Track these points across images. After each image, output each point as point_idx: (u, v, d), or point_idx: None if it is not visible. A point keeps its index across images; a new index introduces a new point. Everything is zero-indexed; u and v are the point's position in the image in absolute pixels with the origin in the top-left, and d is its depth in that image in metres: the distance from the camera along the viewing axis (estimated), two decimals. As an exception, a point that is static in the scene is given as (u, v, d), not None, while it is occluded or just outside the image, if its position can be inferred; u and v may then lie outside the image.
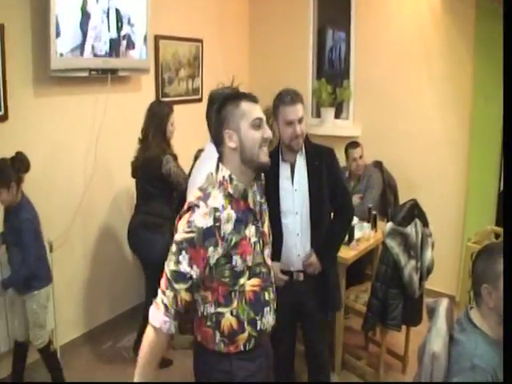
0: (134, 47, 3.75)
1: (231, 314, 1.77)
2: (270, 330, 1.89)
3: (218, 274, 1.71)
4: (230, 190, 1.72)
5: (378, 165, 4.45)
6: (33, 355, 3.23)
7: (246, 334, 1.79)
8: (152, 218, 3.38)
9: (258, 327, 1.81)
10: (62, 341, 3.58)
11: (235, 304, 1.76)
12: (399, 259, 3.03)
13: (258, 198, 1.85)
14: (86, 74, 3.43)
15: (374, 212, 3.78)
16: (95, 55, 3.44)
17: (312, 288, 2.66)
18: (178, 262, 1.65)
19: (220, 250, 1.67)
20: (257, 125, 1.73)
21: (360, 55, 4.77)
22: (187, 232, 1.64)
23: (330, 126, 4.91)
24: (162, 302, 1.68)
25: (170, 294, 1.67)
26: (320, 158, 2.61)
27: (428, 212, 3.28)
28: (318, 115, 5.07)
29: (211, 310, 1.77)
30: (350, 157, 4.28)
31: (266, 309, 1.84)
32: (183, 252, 1.64)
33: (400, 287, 3.09)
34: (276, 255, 2.45)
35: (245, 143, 1.72)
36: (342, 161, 3.93)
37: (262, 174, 1.92)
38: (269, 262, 1.90)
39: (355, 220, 3.67)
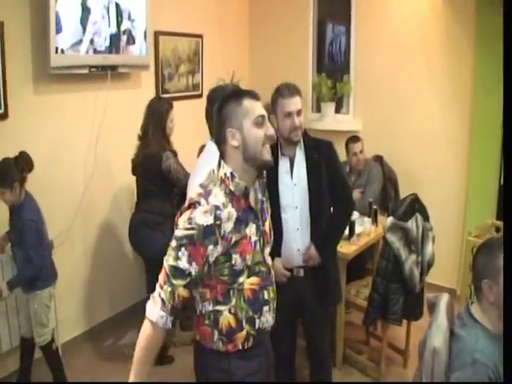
0: (134, 42, 3.74)
1: (229, 312, 1.76)
2: (269, 329, 1.89)
3: (216, 272, 1.71)
4: (232, 188, 1.71)
5: (379, 159, 4.46)
6: (36, 353, 3.24)
7: (244, 333, 1.79)
8: (152, 216, 3.37)
9: (257, 326, 1.81)
10: (63, 339, 3.59)
11: (234, 302, 1.76)
12: (400, 254, 3.04)
13: (260, 195, 1.85)
14: (85, 71, 3.42)
15: (374, 207, 3.78)
16: (95, 51, 3.43)
17: (312, 283, 2.66)
18: (177, 258, 1.64)
19: (219, 249, 1.67)
20: (259, 122, 1.72)
21: (360, 49, 4.76)
22: (187, 229, 1.63)
23: (331, 121, 4.90)
24: (160, 296, 1.68)
25: (167, 288, 1.66)
26: (319, 151, 2.61)
27: (429, 206, 3.28)
28: (319, 110, 5.07)
29: (209, 307, 1.77)
30: (351, 151, 4.28)
31: (265, 308, 1.83)
32: (183, 248, 1.64)
33: (401, 282, 3.09)
34: (276, 250, 2.46)
35: (248, 141, 1.70)
36: (342, 155, 3.94)
37: (264, 172, 1.90)
38: (269, 261, 1.89)
39: (356, 215, 3.68)
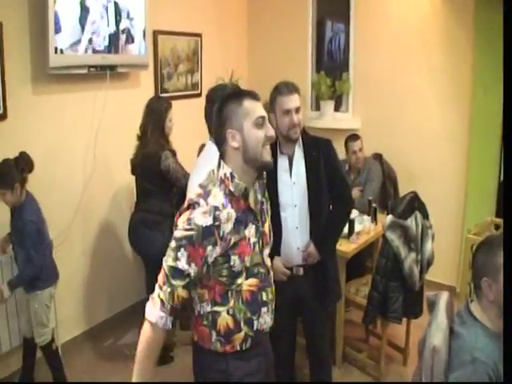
0: (133, 41, 3.73)
1: (227, 313, 1.76)
2: (267, 330, 1.89)
3: (215, 273, 1.71)
4: (231, 188, 1.70)
5: (378, 157, 4.46)
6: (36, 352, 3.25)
7: (242, 334, 1.79)
8: (151, 216, 3.37)
9: (255, 327, 1.81)
10: (63, 339, 3.58)
11: (232, 303, 1.76)
12: (399, 252, 3.04)
13: (260, 196, 1.84)
14: (84, 71, 3.42)
15: (373, 205, 3.79)
16: (94, 51, 3.43)
17: (312, 282, 2.67)
18: (176, 259, 1.64)
19: (218, 250, 1.66)
20: (260, 123, 1.71)
21: (359, 47, 4.75)
22: (187, 229, 1.63)
23: (330, 119, 4.90)
24: (159, 296, 1.68)
25: (166, 289, 1.66)
26: (317, 148, 2.61)
27: (428, 204, 3.28)
28: (318, 108, 5.07)
29: (208, 308, 1.77)
30: (350, 150, 4.28)
31: (264, 309, 1.83)
32: (182, 249, 1.63)
33: (400, 280, 3.09)
34: (275, 249, 2.46)
35: (248, 142, 1.70)
36: (341, 154, 3.94)
37: (264, 173, 1.90)
38: (268, 262, 1.89)
39: (355, 213, 3.68)
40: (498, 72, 3.75)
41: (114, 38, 3.57)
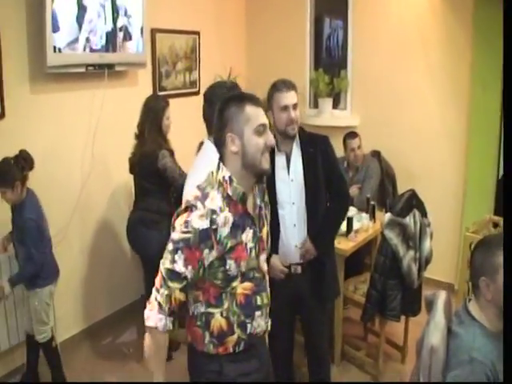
0: (130, 39, 3.72)
1: (221, 315, 1.76)
2: (261, 333, 1.88)
3: (210, 276, 1.71)
4: (229, 192, 1.69)
5: (376, 155, 4.45)
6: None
7: (235, 337, 1.79)
8: (149, 215, 3.37)
9: (248, 330, 1.81)
10: (62, 337, 3.58)
11: (226, 306, 1.76)
12: (398, 250, 3.04)
13: (258, 201, 1.84)
14: (82, 70, 3.41)
15: (372, 202, 3.79)
16: (92, 50, 3.42)
17: (310, 280, 2.67)
18: (173, 261, 1.64)
19: (215, 253, 1.66)
20: (260, 131, 1.70)
21: (357, 44, 4.74)
22: (184, 232, 1.63)
23: (328, 117, 4.89)
24: (156, 299, 1.68)
25: (164, 291, 1.66)
26: (315, 145, 2.61)
27: (426, 202, 3.29)
28: (316, 106, 5.06)
29: (201, 309, 1.78)
30: (348, 147, 4.28)
31: (258, 313, 1.83)
32: (179, 252, 1.63)
33: (399, 278, 3.10)
34: (273, 247, 2.47)
35: (247, 149, 1.69)
36: (339, 151, 3.94)
37: (264, 177, 1.88)
38: (264, 267, 1.88)
39: (354, 211, 3.69)
40: (496, 70, 3.76)
41: (111, 36, 3.56)
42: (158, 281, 1.69)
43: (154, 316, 1.68)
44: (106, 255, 3.99)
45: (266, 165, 1.73)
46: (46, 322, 3.06)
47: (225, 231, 1.67)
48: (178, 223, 1.67)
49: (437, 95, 4.35)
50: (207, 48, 4.76)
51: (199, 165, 2.23)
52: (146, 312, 1.71)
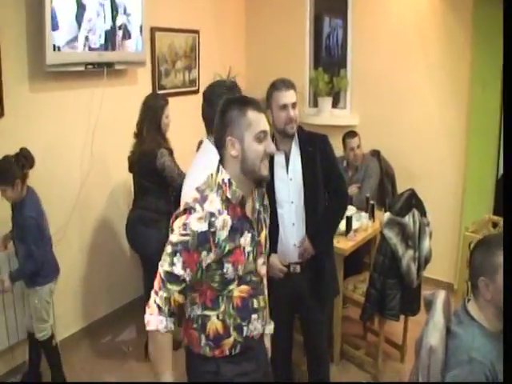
0: (130, 37, 3.72)
1: (217, 317, 1.76)
2: (258, 336, 1.88)
3: (207, 279, 1.71)
4: (228, 195, 1.69)
5: (376, 154, 4.45)
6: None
7: (231, 340, 1.78)
8: (148, 213, 3.37)
9: (245, 333, 1.80)
10: (61, 336, 3.58)
11: (222, 308, 1.76)
12: (397, 249, 3.04)
13: (257, 205, 1.83)
14: (81, 69, 3.41)
15: (371, 202, 3.79)
16: (91, 48, 3.42)
17: (309, 279, 2.67)
18: (172, 264, 1.64)
19: (212, 256, 1.66)
20: (261, 138, 1.69)
21: (357, 43, 4.74)
22: (183, 234, 1.63)
23: (328, 116, 4.89)
24: (155, 302, 1.67)
25: (163, 294, 1.66)
26: (314, 144, 2.62)
27: (426, 201, 3.29)
28: (315, 105, 5.06)
29: (198, 311, 1.77)
30: (348, 146, 4.28)
31: (254, 316, 1.82)
32: (178, 254, 1.63)
33: (398, 277, 3.10)
34: (272, 247, 2.46)
35: (247, 154, 1.68)
36: (339, 150, 3.94)
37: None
38: (262, 270, 1.87)
39: (353, 210, 3.69)
40: (496, 69, 3.76)
41: (110, 35, 3.55)
42: (156, 284, 1.68)
43: (154, 319, 1.67)
44: (105, 254, 3.99)
45: (264, 172, 1.72)
46: (46, 320, 3.06)
47: (223, 234, 1.66)
48: (177, 225, 1.66)
49: (436, 94, 4.35)
50: (207, 47, 4.75)
51: (198, 165, 2.23)
52: (147, 317, 1.70)
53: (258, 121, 1.69)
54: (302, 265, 2.66)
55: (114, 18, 3.56)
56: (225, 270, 1.70)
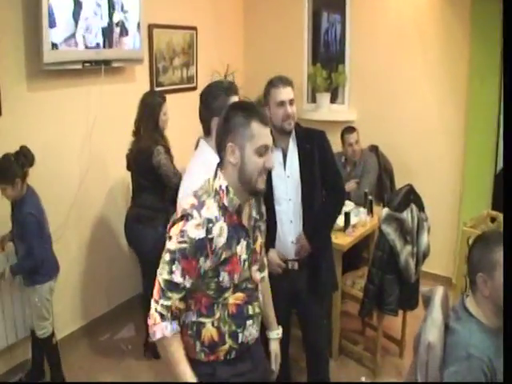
0: (127, 34, 3.70)
1: (212, 325, 1.75)
2: (253, 342, 1.87)
3: (203, 286, 1.70)
4: (225, 202, 1.68)
5: (374, 149, 4.45)
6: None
7: (226, 346, 1.77)
8: (145, 211, 3.37)
9: (240, 340, 1.79)
10: (60, 334, 3.56)
11: (217, 315, 1.75)
12: (395, 245, 3.05)
13: (254, 213, 1.83)
14: (79, 67, 3.39)
15: (370, 197, 3.80)
16: (88, 46, 3.41)
17: (307, 276, 2.68)
18: (171, 272, 1.63)
19: (209, 263, 1.65)
20: (262, 152, 1.67)
21: (355, 39, 4.74)
22: (180, 242, 1.62)
23: (326, 111, 4.89)
24: (156, 311, 1.66)
25: (163, 302, 1.65)
26: (311, 140, 2.62)
27: (424, 196, 3.29)
28: (314, 100, 5.05)
29: (193, 318, 1.76)
30: (346, 142, 4.28)
31: (249, 322, 1.81)
32: (176, 262, 1.62)
33: (396, 272, 3.11)
34: (271, 243, 2.49)
35: (246, 166, 1.67)
36: (337, 146, 3.94)
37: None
38: (256, 276, 1.85)
39: (351, 205, 3.69)
40: (494, 65, 3.76)
41: (107, 32, 3.54)
42: (156, 293, 1.67)
43: (158, 328, 1.66)
44: (103, 252, 3.99)
45: (261, 185, 1.71)
46: (46, 318, 3.07)
47: (220, 242, 1.66)
48: (174, 232, 1.65)
49: (435, 90, 4.35)
50: (204, 43, 4.74)
51: (194, 167, 2.22)
52: (150, 328, 1.68)
53: (262, 134, 1.67)
54: (300, 261, 2.66)
55: (111, 15, 3.55)
56: (221, 279, 1.69)
